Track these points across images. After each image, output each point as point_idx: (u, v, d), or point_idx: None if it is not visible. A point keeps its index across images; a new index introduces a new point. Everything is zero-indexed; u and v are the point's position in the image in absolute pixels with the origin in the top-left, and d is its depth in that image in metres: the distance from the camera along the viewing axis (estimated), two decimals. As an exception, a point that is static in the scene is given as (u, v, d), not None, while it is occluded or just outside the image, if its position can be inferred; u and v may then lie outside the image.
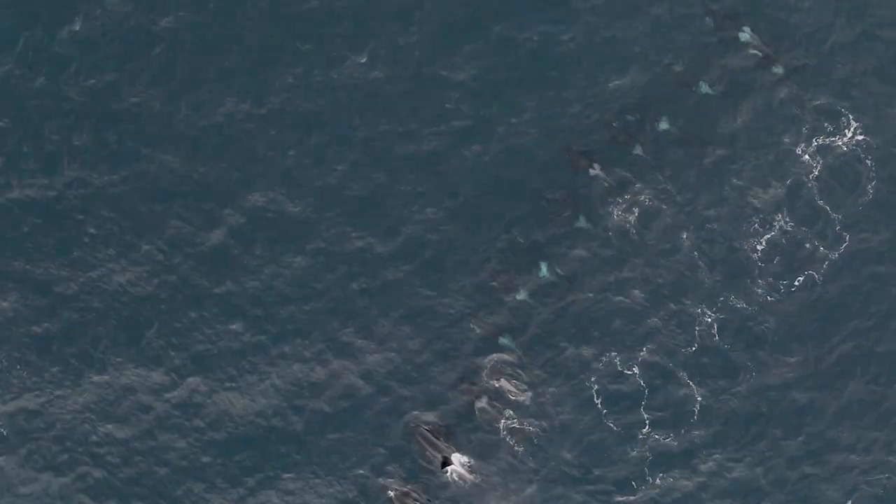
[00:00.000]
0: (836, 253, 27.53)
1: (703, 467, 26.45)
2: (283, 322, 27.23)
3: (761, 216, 27.65)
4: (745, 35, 28.56)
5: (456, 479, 25.94)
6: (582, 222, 27.78)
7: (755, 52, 28.49)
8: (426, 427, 26.37)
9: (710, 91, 28.32)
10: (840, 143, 27.87)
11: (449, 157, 28.28)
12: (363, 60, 28.45)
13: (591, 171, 28.03)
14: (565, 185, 28.02)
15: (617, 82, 28.52)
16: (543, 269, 27.40)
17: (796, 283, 27.32)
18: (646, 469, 26.49)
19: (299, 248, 27.51)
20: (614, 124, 28.39)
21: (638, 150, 28.17)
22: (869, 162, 27.81)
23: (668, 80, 28.47)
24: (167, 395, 26.64)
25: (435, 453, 26.09)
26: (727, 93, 28.41)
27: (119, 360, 26.93)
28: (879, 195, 27.87)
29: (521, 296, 27.23)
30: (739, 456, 26.58)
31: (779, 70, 28.22)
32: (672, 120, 28.24)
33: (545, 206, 27.87)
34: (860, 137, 27.88)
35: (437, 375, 26.94)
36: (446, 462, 25.99)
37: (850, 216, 27.67)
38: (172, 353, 26.84)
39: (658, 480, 26.38)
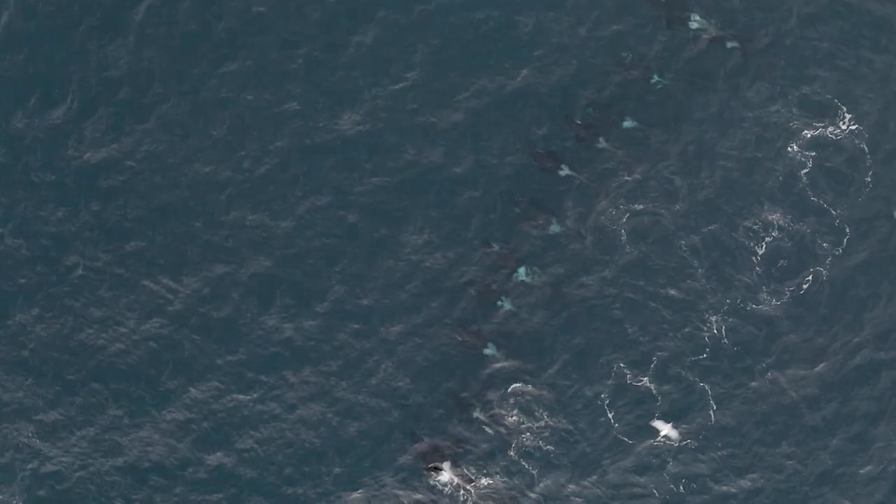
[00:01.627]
0: (840, 248, 27.35)
1: (721, 473, 26.47)
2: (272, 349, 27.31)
3: (755, 213, 27.43)
4: (696, 22, 28.56)
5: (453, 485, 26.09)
6: (555, 225, 27.55)
7: (707, 36, 28.50)
8: (424, 442, 26.47)
9: (662, 81, 28.23)
10: (824, 130, 27.59)
11: (420, 171, 28.18)
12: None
13: (561, 172, 27.98)
14: (536, 189, 27.84)
15: (569, 75, 28.33)
16: (521, 273, 27.32)
17: (800, 278, 27.13)
18: (665, 476, 26.48)
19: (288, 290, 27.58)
20: (577, 121, 28.31)
21: (602, 144, 28.07)
22: (863, 147, 27.66)
23: (621, 71, 28.20)
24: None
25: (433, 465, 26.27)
26: (689, 83, 28.11)
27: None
28: (878, 182, 27.67)
29: (507, 305, 27.20)
30: (757, 461, 26.52)
31: (735, 51, 28.19)
32: (635, 114, 27.95)
33: (518, 213, 27.64)
34: (847, 125, 27.63)
35: (426, 391, 26.91)
36: (439, 470, 26.24)
37: (848, 207, 27.50)
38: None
39: (680, 488, 26.38)
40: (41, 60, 28.83)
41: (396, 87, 28.48)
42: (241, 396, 26.87)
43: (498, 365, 26.83)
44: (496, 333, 27.00)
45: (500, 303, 27.06)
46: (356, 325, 27.27)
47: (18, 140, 28.45)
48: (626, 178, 27.72)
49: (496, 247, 27.38)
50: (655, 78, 28.07)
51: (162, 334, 27.31)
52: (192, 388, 26.87)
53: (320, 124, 28.26)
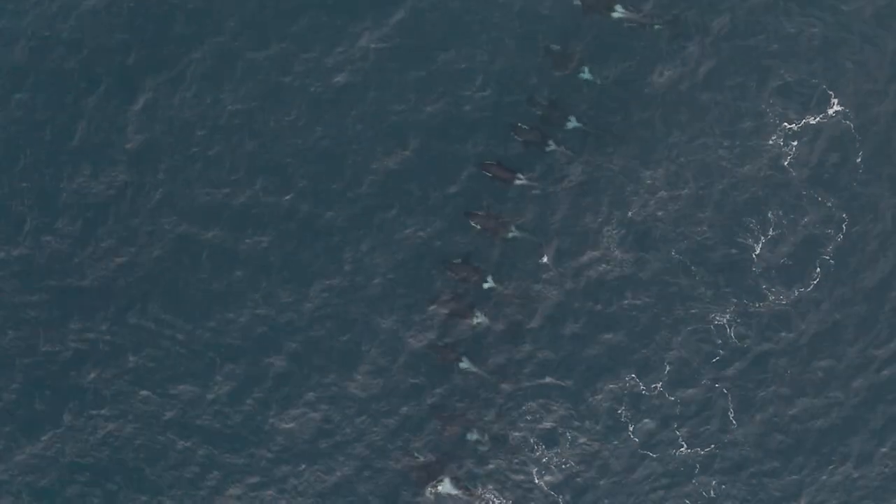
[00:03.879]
0: (840, 234, 26.71)
1: (742, 476, 26.20)
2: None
3: (749, 211, 26.78)
4: (618, 13, 27.74)
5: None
6: (515, 231, 26.70)
7: (631, 24, 27.69)
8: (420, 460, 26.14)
9: (590, 77, 27.23)
10: (804, 117, 26.85)
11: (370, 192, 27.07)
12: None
13: (518, 181, 26.68)
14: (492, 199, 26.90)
15: (500, 77, 27.21)
16: (489, 281, 26.56)
17: (807, 271, 26.63)
18: (693, 482, 26.06)
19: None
20: (521, 125, 26.99)
21: (552, 146, 26.87)
22: (849, 126, 26.95)
23: (551, 65, 27.22)
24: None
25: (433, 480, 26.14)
26: (619, 79, 27.27)
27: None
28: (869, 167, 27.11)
29: (478, 318, 26.53)
30: (781, 465, 26.30)
31: (662, 34, 27.46)
32: (579, 113, 26.99)
33: (475, 227, 26.74)
34: (828, 109, 26.95)
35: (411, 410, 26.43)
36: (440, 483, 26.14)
37: (840, 191, 26.90)
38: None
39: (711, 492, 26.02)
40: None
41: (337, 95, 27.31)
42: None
43: (476, 376, 26.49)
44: (471, 347, 26.51)
45: (476, 319, 26.55)
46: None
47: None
48: (597, 181, 27.04)
49: (459, 260, 26.66)
50: (585, 72, 27.01)
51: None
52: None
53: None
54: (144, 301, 26.55)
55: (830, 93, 26.91)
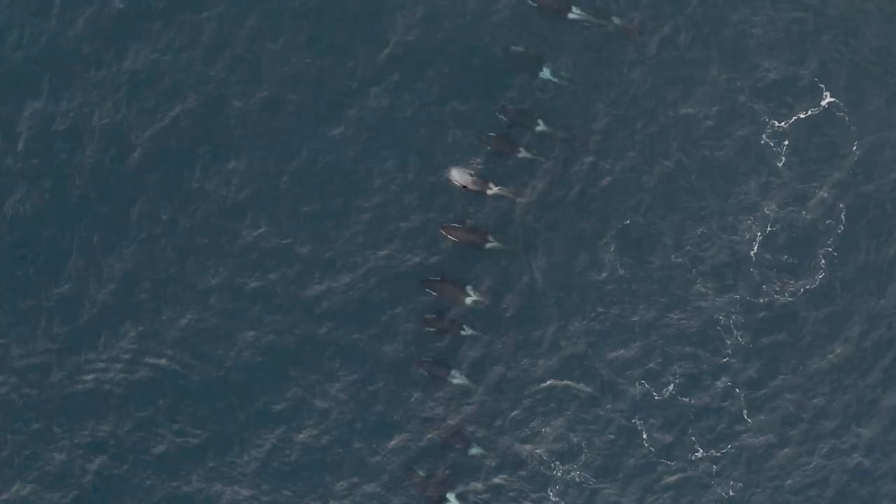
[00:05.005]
0: (841, 225, 26.32)
1: (761, 473, 25.87)
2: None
3: (745, 208, 26.33)
4: (575, 14, 27.10)
5: None
6: (494, 242, 26.05)
7: (588, 25, 27.08)
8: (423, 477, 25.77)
9: (552, 77, 26.57)
10: (793, 109, 26.43)
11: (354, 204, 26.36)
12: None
13: (490, 191, 25.75)
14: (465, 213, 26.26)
15: (461, 85, 26.58)
16: (470, 293, 25.97)
17: (810, 264, 26.19)
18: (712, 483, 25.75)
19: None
20: (489, 134, 26.09)
21: (523, 153, 26.06)
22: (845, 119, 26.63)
23: (512, 67, 26.64)
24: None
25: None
26: (578, 78, 26.73)
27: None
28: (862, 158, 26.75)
29: (467, 331, 26.04)
30: (798, 459, 25.99)
31: (620, 34, 26.93)
32: (544, 116, 26.29)
33: (452, 241, 26.09)
34: (819, 100, 26.56)
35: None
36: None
37: (834, 180, 26.52)
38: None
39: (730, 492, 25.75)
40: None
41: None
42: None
43: (468, 390, 26.02)
44: (463, 358, 26.04)
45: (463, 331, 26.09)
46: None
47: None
48: (580, 185, 26.43)
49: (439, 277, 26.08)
50: (547, 72, 26.37)
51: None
52: None
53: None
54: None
55: (822, 85, 26.65)
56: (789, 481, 25.83)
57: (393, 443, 25.69)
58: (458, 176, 25.93)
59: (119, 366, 25.62)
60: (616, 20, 26.73)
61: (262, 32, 26.44)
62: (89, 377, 25.57)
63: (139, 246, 25.80)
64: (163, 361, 25.50)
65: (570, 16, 26.99)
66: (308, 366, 25.81)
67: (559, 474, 25.65)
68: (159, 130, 26.09)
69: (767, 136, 26.51)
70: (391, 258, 25.99)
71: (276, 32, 26.53)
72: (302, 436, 25.59)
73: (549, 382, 25.75)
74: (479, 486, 25.62)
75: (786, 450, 25.88)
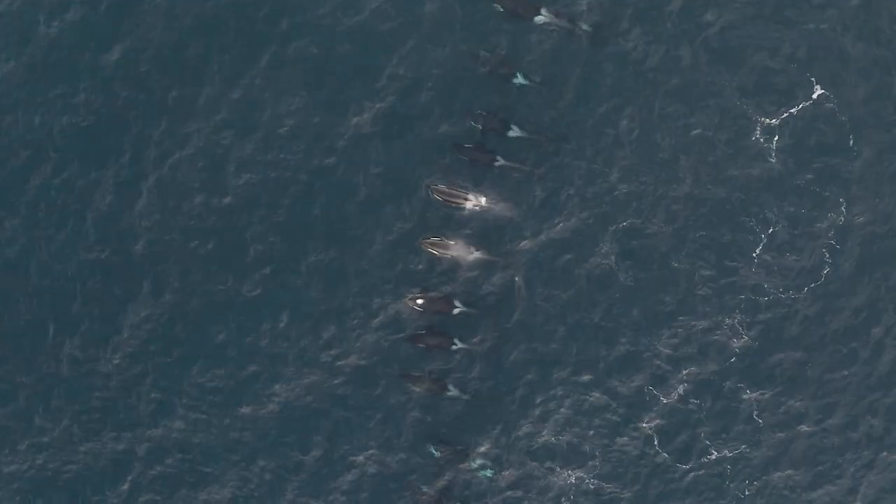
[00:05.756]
0: (841, 218, 26.21)
1: (775, 472, 26.02)
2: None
3: (745, 208, 26.20)
4: (542, 16, 27.10)
5: None
6: (476, 253, 26.07)
7: (555, 28, 27.08)
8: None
9: (524, 81, 26.55)
10: (785, 106, 26.24)
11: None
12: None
13: (468, 203, 25.84)
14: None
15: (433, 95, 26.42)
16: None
17: (814, 258, 26.14)
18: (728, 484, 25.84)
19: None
20: (464, 144, 26.08)
21: (499, 163, 26.07)
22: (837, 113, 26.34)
23: (484, 71, 26.44)
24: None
25: None
26: (548, 81, 26.62)
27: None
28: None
29: (458, 344, 26.15)
30: (812, 456, 26.12)
31: (586, 38, 26.92)
32: (520, 121, 26.22)
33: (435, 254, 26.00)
34: (807, 97, 26.30)
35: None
36: None
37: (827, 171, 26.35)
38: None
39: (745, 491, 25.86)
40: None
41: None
42: None
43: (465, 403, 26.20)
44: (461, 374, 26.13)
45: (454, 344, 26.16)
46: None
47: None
48: (568, 193, 26.32)
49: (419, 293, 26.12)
50: (519, 76, 26.32)
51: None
52: None
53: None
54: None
55: (812, 79, 26.37)
56: (802, 478, 25.99)
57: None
58: (440, 191, 25.96)
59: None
60: (583, 24, 26.77)
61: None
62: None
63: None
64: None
65: (538, 19, 26.98)
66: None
67: (571, 480, 25.77)
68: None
69: (759, 133, 26.32)
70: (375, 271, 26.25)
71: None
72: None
73: (556, 391, 25.91)
74: (486, 498, 25.96)
75: (798, 447, 26.06)
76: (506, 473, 25.84)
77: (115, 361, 26.14)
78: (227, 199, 26.07)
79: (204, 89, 26.10)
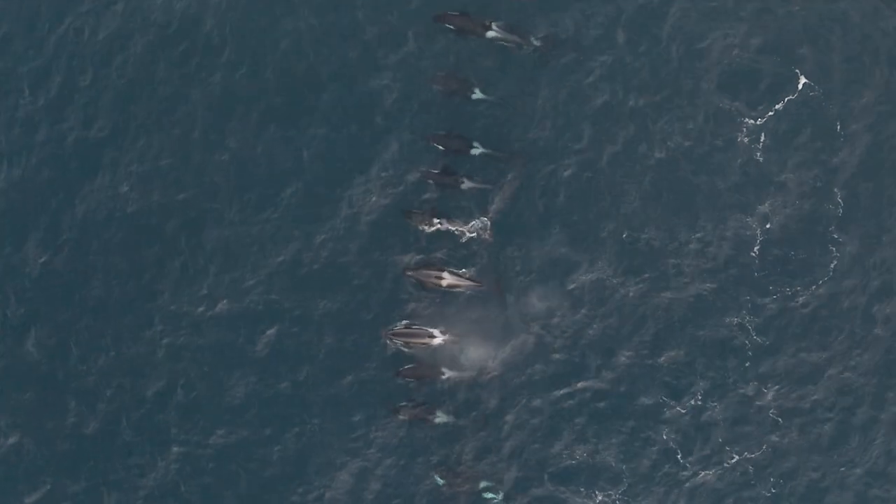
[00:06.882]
0: (840, 209, 26.10)
1: (798, 469, 25.81)
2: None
3: (739, 209, 26.15)
4: (493, 32, 27.39)
5: None
6: (447, 277, 25.91)
7: (507, 44, 27.40)
8: None
9: (484, 96, 26.78)
10: (771, 104, 26.27)
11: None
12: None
13: (434, 226, 26.17)
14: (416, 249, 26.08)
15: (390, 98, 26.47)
16: (437, 335, 25.88)
17: (816, 254, 26.05)
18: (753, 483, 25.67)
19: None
20: (429, 170, 26.36)
21: (466, 185, 26.36)
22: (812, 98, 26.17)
23: (441, 90, 26.47)
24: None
25: None
26: (506, 96, 26.70)
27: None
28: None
29: (447, 374, 26.05)
30: (832, 452, 25.90)
31: (535, 53, 27.19)
32: (482, 138, 26.22)
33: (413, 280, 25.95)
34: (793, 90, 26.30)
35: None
36: None
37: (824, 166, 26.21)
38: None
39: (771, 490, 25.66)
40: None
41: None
42: None
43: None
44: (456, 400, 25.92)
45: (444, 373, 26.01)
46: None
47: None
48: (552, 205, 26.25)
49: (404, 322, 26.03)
50: (477, 92, 26.61)
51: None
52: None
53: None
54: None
55: (797, 71, 26.32)
56: (823, 479, 25.86)
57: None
58: (414, 218, 26.14)
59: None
60: (533, 39, 27.08)
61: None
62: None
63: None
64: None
65: (489, 34, 27.24)
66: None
67: (600, 500, 25.66)
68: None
69: (745, 133, 26.22)
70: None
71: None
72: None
73: (565, 403, 25.77)
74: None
75: (819, 443, 25.87)
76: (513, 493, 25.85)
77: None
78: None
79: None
